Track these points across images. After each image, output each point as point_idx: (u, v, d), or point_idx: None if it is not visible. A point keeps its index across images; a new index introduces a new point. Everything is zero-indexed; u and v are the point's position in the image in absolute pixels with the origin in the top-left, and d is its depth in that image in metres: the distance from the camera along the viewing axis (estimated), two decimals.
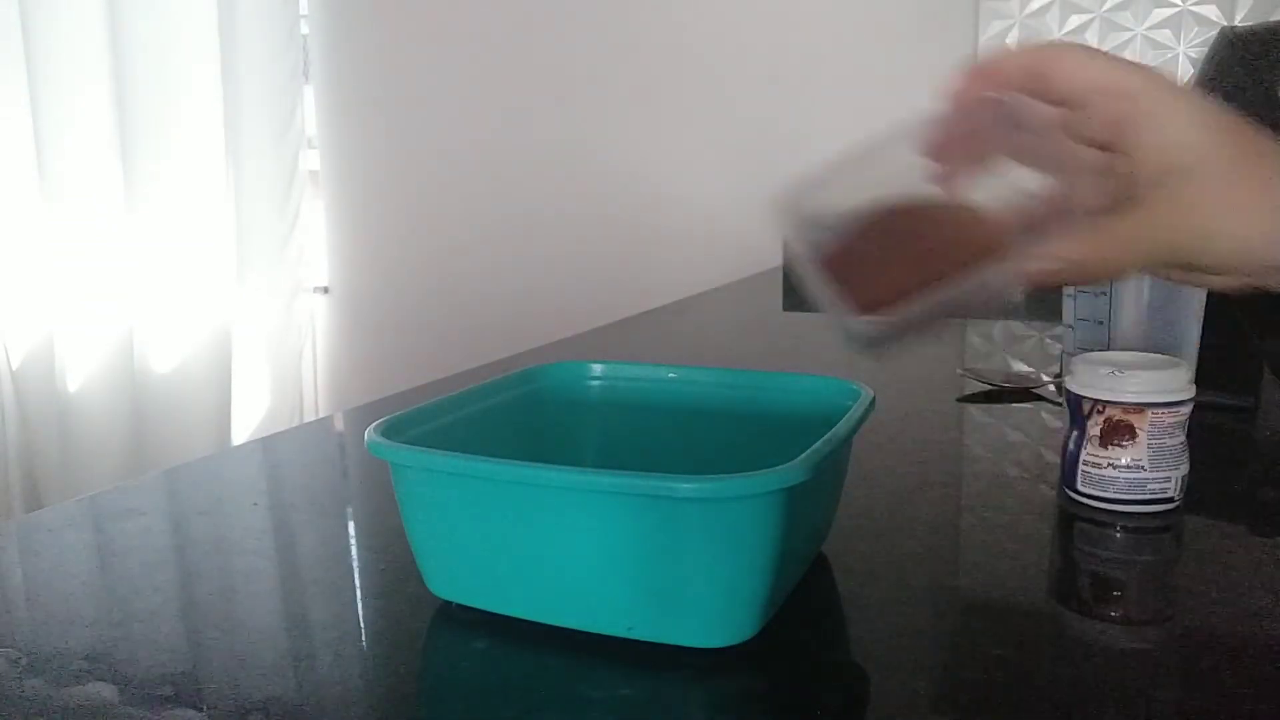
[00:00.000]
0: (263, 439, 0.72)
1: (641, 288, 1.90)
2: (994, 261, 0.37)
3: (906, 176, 0.40)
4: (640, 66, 1.88)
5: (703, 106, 1.83)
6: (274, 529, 0.54)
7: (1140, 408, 0.51)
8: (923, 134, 0.39)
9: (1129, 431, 0.52)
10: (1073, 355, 0.72)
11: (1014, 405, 0.77)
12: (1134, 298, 0.73)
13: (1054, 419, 0.73)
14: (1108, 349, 0.73)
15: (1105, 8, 1.56)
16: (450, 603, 0.43)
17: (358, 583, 0.47)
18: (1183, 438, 0.52)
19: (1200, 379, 0.54)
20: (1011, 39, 1.61)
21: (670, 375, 0.55)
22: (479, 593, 0.42)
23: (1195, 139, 0.35)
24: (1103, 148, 0.37)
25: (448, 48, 2.04)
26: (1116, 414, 0.52)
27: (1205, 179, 0.35)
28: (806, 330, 1.16)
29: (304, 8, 2.10)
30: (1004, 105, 0.38)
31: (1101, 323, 0.74)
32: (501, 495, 0.39)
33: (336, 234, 2.21)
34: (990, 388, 0.82)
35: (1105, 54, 0.37)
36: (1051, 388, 0.81)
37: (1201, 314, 0.72)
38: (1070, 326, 0.77)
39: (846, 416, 0.43)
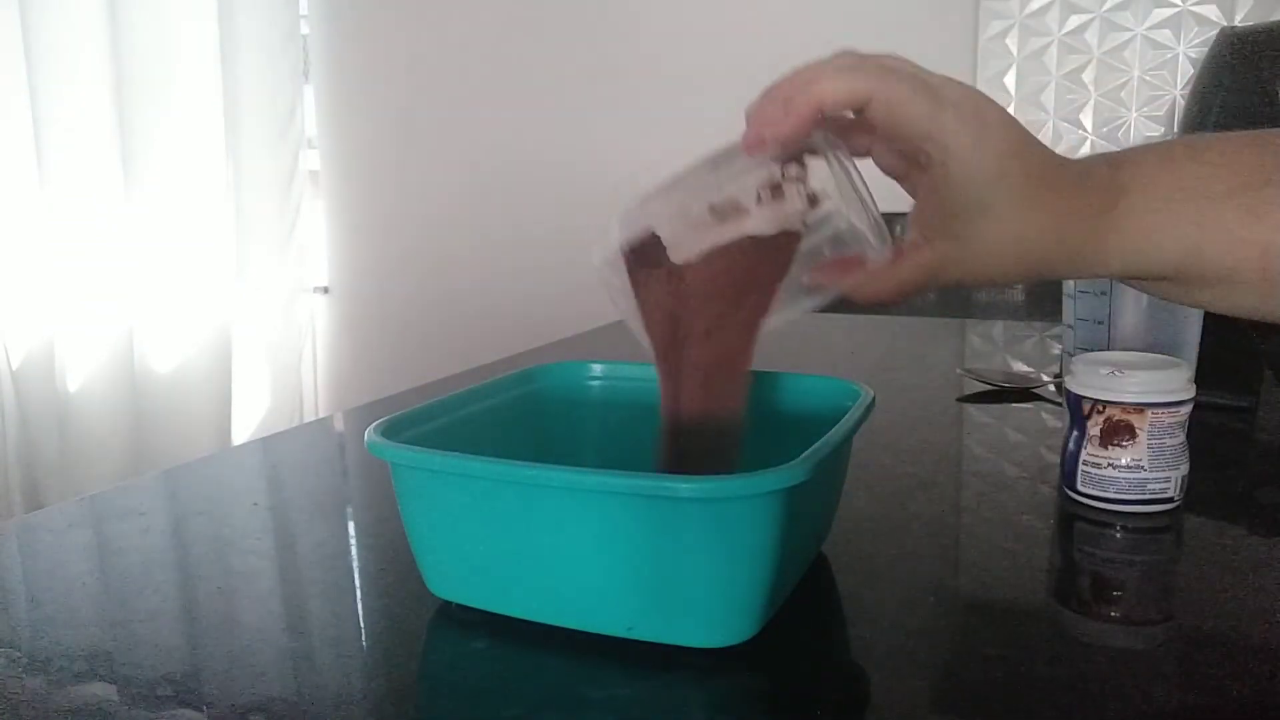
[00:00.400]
0: (263, 439, 0.72)
1: None
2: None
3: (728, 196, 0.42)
4: (640, 67, 1.88)
5: (703, 106, 1.83)
6: (274, 529, 0.54)
7: (1140, 408, 0.51)
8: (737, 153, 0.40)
9: (1129, 431, 0.52)
10: (1073, 355, 0.72)
11: (1014, 405, 0.77)
12: (1134, 297, 0.73)
13: (1054, 419, 0.73)
14: (1108, 349, 0.73)
15: (1105, 8, 1.56)
16: (450, 603, 0.43)
17: (358, 583, 0.47)
18: (1183, 438, 0.52)
19: (1200, 379, 0.54)
20: (1011, 39, 1.61)
21: None
22: (479, 593, 0.42)
23: (996, 177, 0.38)
24: (907, 154, 0.40)
25: (448, 48, 2.04)
26: (1116, 414, 0.52)
27: (1001, 221, 0.39)
28: (806, 330, 1.16)
29: (304, 8, 2.10)
30: (816, 138, 0.39)
31: (1101, 323, 0.74)
32: (501, 495, 0.39)
33: (336, 234, 2.21)
34: (990, 388, 0.82)
35: (930, 92, 0.38)
36: (1051, 388, 0.81)
37: (1201, 313, 0.72)
38: (1070, 326, 0.77)
39: (846, 416, 0.43)
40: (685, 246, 0.41)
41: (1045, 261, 0.40)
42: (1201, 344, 0.73)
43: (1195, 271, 0.40)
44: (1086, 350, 0.74)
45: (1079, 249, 0.40)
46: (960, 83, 0.39)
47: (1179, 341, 0.72)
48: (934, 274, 0.41)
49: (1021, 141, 0.39)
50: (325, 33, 2.13)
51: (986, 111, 0.38)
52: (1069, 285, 0.78)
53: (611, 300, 0.44)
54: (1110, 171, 0.40)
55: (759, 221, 0.40)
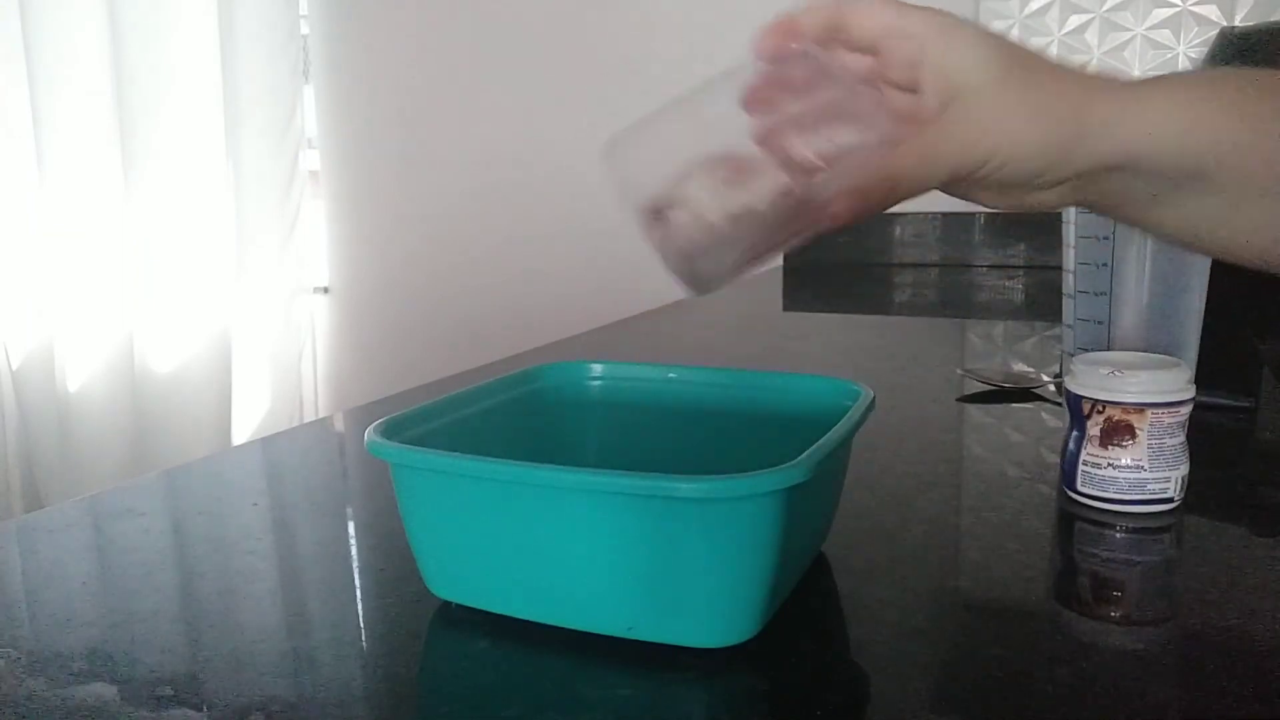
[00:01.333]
0: (263, 439, 0.72)
1: (642, 288, 1.90)
2: (798, 203, 0.40)
3: (729, 125, 0.42)
4: (640, 66, 1.88)
5: None
6: (274, 529, 0.54)
7: (1140, 408, 0.51)
8: (739, 87, 0.41)
9: (1129, 431, 0.52)
10: (1073, 355, 0.72)
11: (1014, 405, 0.77)
12: (1134, 298, 0.73)
13: (1054, 419, 0.73)
14: (1108, 349, 0.73)
15: (1105, 8, 1.56)
16: (450, 603, 0.43)
17: (358, 583, 0.47)
18: (1183, 438, 0.52)
19: (1200, 379, 0.54)
20: (1012, 40, 1.61)
21: (670, 375, 0.55)
22: (479, 593, 0.42)
23: (974, 62, 0.39)
24: (906, 89, 0.41)
25: (448, 48, 2.04)
26: (1116, 414, 0.52)
27: (986, 97, 0.39)
28: (806, 330, 1.16)
29: (304, 8, 2.10)
30: (811, 58, 0.40)
31: (1101, 323, 0.74)
32: (502, 495, 0.39)
33: (336, 234, 2.21)
34: (990, 388, 0.82)
35: (895, 1, 0.40)
36: (1051, 388, 0.81)
37: (1201, 314, 0.72)
38: (1070, 326, 0.77)
39: (846, 416, 0.43)
40: (707, 206, 0.40)
41: (1062, 126, 0.39)
42: (1201, 344, 0.73)
43: (1221, 166, 0.39)
44: (1086, 350, 0.73)
45: (1099, 117, 0.39)
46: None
47: (1179, 341, 0.72)
48: (951, 140, 0.40)
49: (996, 34, 0.41)
50: (325, 33, 2.13)
51: (953, 16, 0.40)
52: (1068, 284, 0.78)
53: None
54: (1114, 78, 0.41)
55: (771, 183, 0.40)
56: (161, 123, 1.98)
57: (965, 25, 0.40)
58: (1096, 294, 0.74)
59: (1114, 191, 0.42)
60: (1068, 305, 0.78)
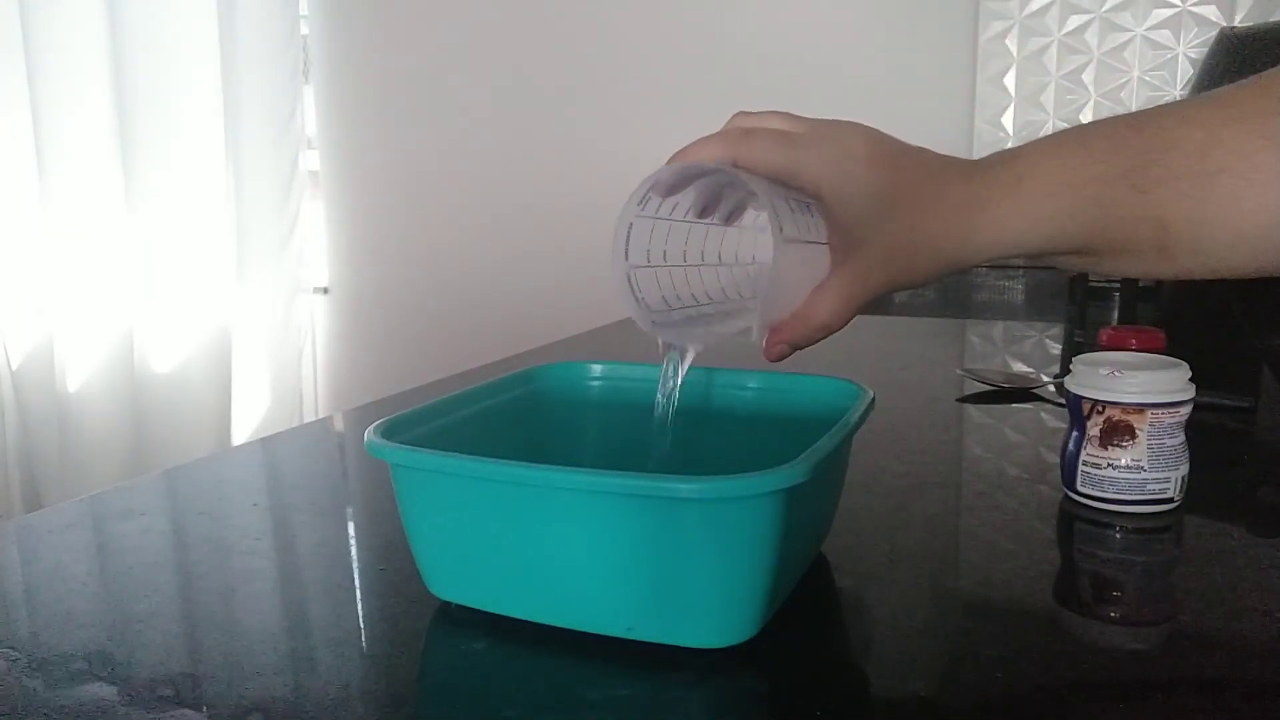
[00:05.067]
0: (263, 439, 0.72)
1: None
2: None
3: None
4: (640, 66, 1.88)
5: (703, 106, 1.83)
6: (274, 529, 0.54)
7: (1140, 408, 0.51)
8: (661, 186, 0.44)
9: (1129, 431, 0.52)
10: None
11: (1014, 405, 0.77)
12: None
13: (1054, 419, 0.73)
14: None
15: (1105, 8, 1.56)
16: (450, 603, 0.43)
17: (358, 583, 0.47)
18: (1182, 438, 0.52)
19: (1200, 379, 0.54)
20: (1011, 39, 1.61)
21: None
22: (479, 593, 0.42)
23: (864, 208, 0.42)
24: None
25: (448, 48, 2.04)
26: (1116, 414, 0.52)
27: (878, 246, 0.42)
28: None
29: (304, 8, 2.10)
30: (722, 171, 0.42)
31: None
32: (501, 495, 0.39)
33: (336, 234, 2.21)
34: (990, 388, 0.82)
35: (786, 141, 0.43)
36: (1051, 388, 0.81)
37: None
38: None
39: (846, 416, 0.43)
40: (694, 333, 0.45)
41: (955, 252, 0.43)
42: (1202, 344, 0.73)
43: (1099, 245, 0.43)
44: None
45: (986, 235, 0.43)
46: (828, 121, 0.44)
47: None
48: (859, 288, 0.43)
49: (889, 155, 0.43)
50: (325, 33, 2.13)
51: (846, 139, 0.43)
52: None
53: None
54: (1006, 162, 0.43)
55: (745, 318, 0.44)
56: (161, 123, 1.98)
57: (855, 160, 0.42)
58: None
59: (1051, 259, 0.46)
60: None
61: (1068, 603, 0.44)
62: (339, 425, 0.80)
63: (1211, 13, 1.51)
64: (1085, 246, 0.43)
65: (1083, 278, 1.27)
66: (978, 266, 0.44)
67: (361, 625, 0.42)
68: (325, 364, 2.27)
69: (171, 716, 0.35)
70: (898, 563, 0.47)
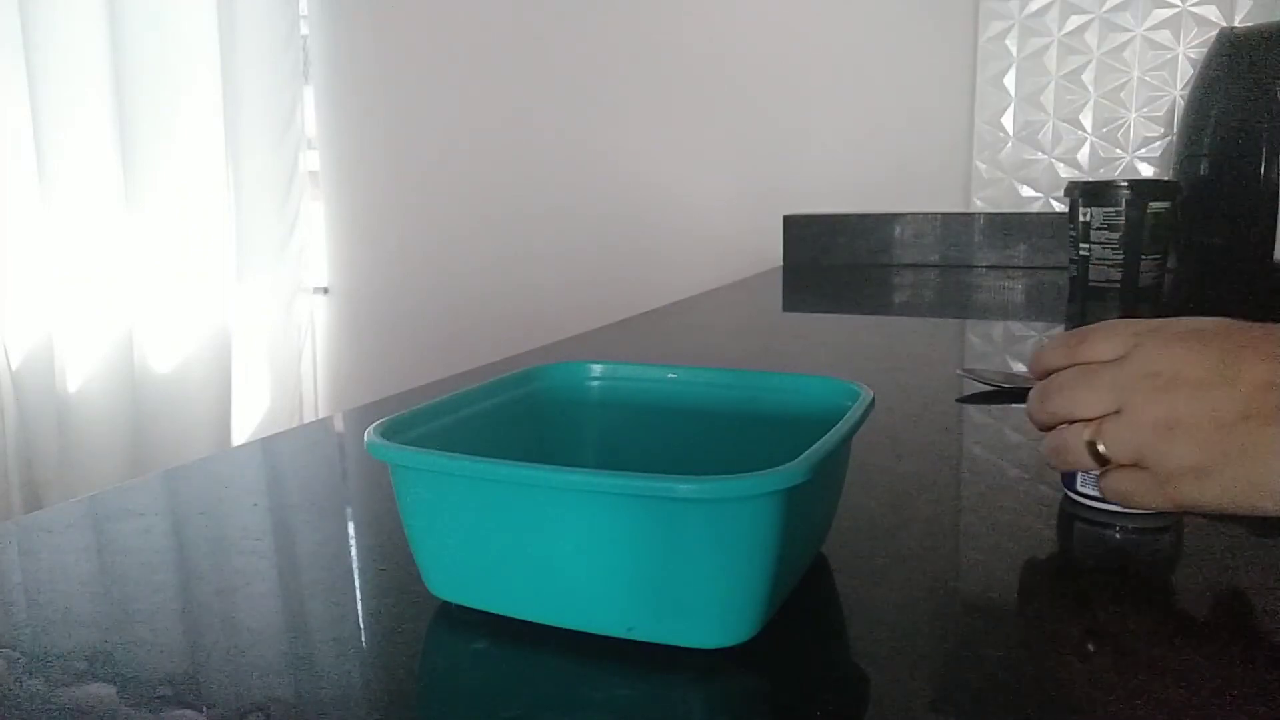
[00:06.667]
0: (263, 439, 0.72)
1: (642, 288, 1.90)
2: None
3: None
4: (640, 66, 1.89)
5: (702, 106, 1.83)
6: (274, 529, 0.54)
7: None
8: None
9: None
10: None
11: (1014, 405, 0.77)
12: None
13: None
14: None
15: (1105, 8, 1.56)
16: (450, 603, 0.43)
17: (358, 583, 0.47)
18: None
19: None
20: (1011, 40, 1.61)
21: (670, 375, 0.55)
22: (479, 593, 0.42)
23: (1187, 461, 0.41)
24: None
25: (448, 48, 2.04)
26: None
27: (1205, 495, 0.41)
28: (806, 330, 1.16)
29: (304, 8, 2.10)
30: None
31: None
32: (501, 495, 0.39)
33: (336, 234, 2.21)
34: (990, 388, 0.82)
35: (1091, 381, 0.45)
36: None
37: None
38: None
39: (846, 416, 0.43)
40: None
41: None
42: None
43: None
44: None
45: None
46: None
47: None
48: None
49: (1220, 416, 0.40)
50: (325, 33, 2.13)
51: (1165, 399, 0.42)
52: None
53: None
54: None
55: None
56: (161, 123, 1.98)
57: (1179, 425, 0.41)
58: None
59: None
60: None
61: (1067, 603, 0.44)
62: (339, 425, 0.80)
63: (1211, 13, 1.51)
64: None
65: (1083, 278, 1.28)
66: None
67: (361, 625, 0.42)
68: (325, 364, 2.27)
69: (171, 716, 0.35)
70: (898, 563, 0.47)
